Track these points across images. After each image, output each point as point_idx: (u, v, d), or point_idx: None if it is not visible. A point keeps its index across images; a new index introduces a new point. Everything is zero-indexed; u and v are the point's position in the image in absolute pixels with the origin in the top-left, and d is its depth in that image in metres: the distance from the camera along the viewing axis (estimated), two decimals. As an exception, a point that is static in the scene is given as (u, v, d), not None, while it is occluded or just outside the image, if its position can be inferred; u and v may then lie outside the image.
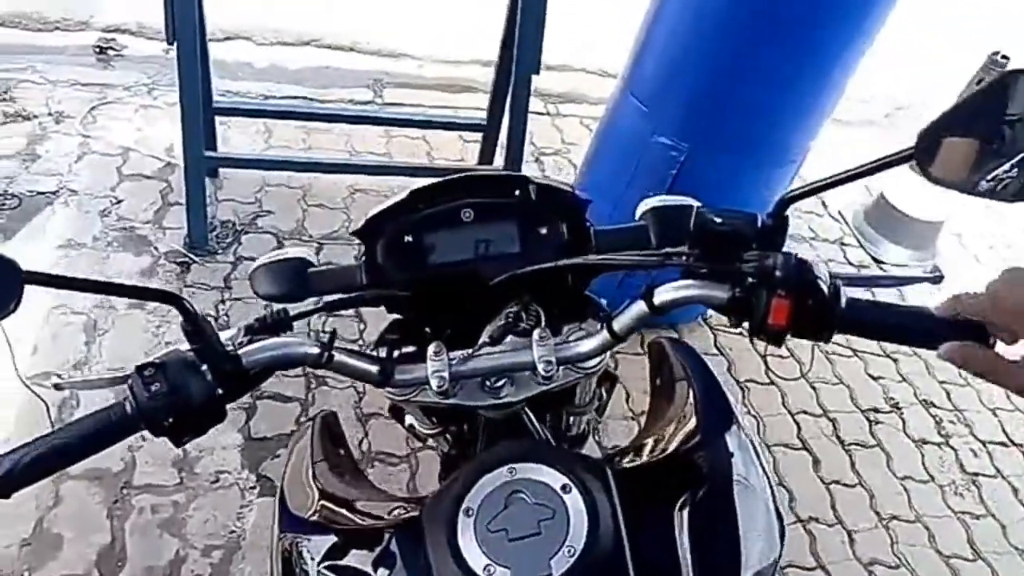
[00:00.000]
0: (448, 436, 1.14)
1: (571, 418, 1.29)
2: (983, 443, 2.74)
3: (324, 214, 3.02)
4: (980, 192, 0.68)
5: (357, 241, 0.93)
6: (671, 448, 0.90)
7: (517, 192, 0.96)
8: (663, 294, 0.82)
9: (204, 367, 0.76)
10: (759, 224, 0.80)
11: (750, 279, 0.77)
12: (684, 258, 0.82)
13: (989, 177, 0.68)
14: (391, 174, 3.06)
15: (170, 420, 0.74)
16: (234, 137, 3.30)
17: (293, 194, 3.09)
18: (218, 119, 3.05)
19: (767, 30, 2.12)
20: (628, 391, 2.51)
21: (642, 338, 2.49)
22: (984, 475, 2.63)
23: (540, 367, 0.86)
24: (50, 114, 3.24)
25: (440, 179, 0.95)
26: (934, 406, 2.82)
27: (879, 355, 2.94)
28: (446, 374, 0.85)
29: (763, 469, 0.90)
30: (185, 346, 0.77)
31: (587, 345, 0.88)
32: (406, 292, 0.93)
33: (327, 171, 2.94)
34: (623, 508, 0.77)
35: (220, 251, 2.76)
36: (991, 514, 2.52)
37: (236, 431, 2.23)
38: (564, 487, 0.77)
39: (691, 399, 0.97)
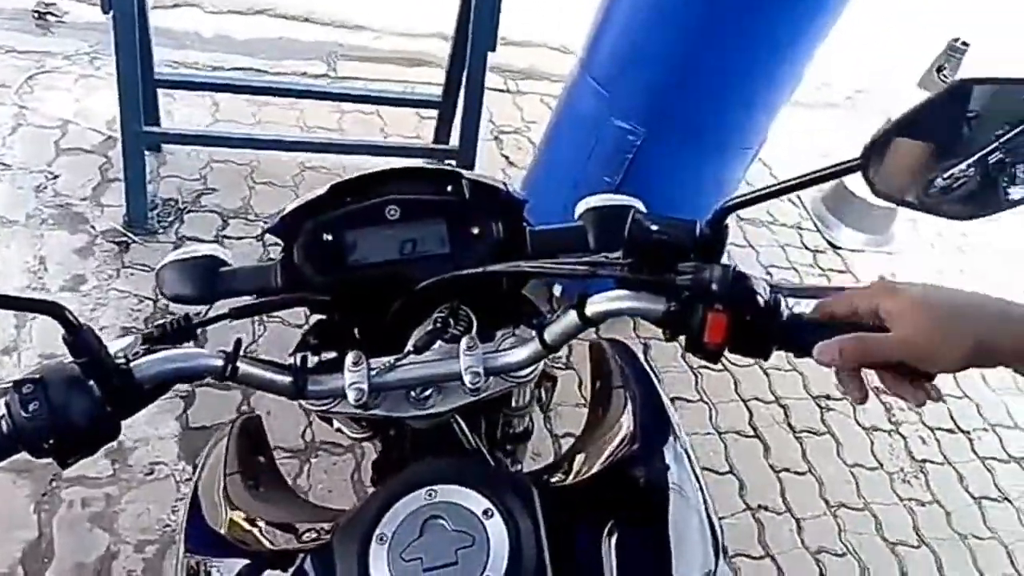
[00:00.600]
0: (380, 441, 1.09)
1: (512, 419, 1.25)
2: (932, 430, 2.76)
3: (272, 192, 2.92)
4: (926, 203, 0.64)
5: None
6: (605, 462, 0.86)
7: (449, 188, 0.90)
8: (595, 305, 0.77)
9: (91, 383, 0.69)
10: (698, 233, 0.75)
11: (686, 292, 0.73)
12: (618, 268, 0.77)
13: (944, 177, 0.65)
14: (342, 152, 2.96)
15: (52, 442, 0.67)
16: (180, 111, 3.17)
17: (240, 171, 2.98)
18: (163, 92, 2.92)
19: (723, 16, 2.08)
20: (580, 376, 2.47)
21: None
22: (932, 462, 2.66)
23: (467, 378, 0.80)
24: (-17, 82, 3.08)
25: (364, 172, 0.89)
26: (885, 393, 2.82)
27: (833, 341, 2.93)
28: (364, 386, 0.80)
29: (698, 480, 0.86)
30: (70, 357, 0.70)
31: (518, 355, 0.82)
32: (325, 295, 0.87)
33: (275, 148, 2.84)
34: (548, 532, 0.72)
35: (161, 231, 2.65)
36: (937, 501, 2.55)
37: (174, 419, 2.15)
38: (486, 512, 0.72)
39: (627, 409, 0.92)
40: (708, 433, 2.53)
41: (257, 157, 3.02)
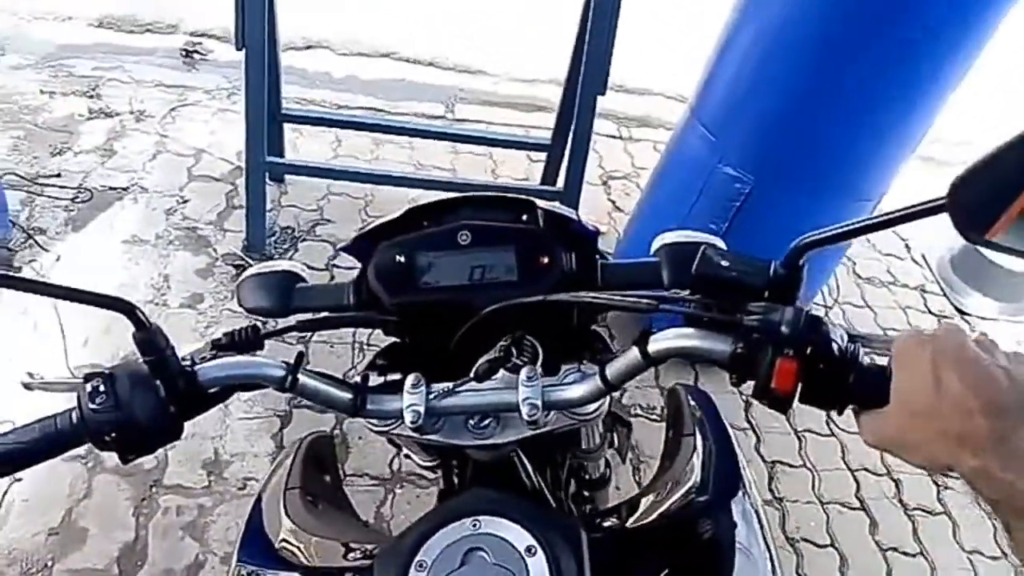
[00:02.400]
0: (443, 472, 1.08)
1: (585, 462, 1.21)
2: (1067, 521, 2.49)
3: (383, 226, 3.01)
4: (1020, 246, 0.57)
5: None
6: (665, 510, 0.81)
7: (523, 217, 0.89)
8: (658, 342, 0.73)
9: (157, 382, 0.72)
10: (771, 273, 0.70)
11: (754, 334, 0.68)
12: (683, 304, 0.73)
13: None
14: (453, 190, 3.01)
15: (114, 435, 0.70)
16: (305, 145, 3.34)
17: (355, 204, 3.09)
18: (290, 127, 3.08)
19: (853, 60, 1.99)
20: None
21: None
22: (1066, 556, 2.39)
23: (524, 410, 0.78)
24: (132, 112, 3.35)
25: (440, 198, 0.90)
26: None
27: (955, 414, 2.72)
28: (421, 409, 0.79)
29: (766, 541, 0.80)
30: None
31: (577, 391, 0.79)
32: (393, 316, 0.87)
33: (389, 183, 2.92)
34: None
35: (276, 256, 2.78)
36: (1070, 601, 2.28)
37: (269, 438, 2.22)
38: (529, 548, 0.69)
39: (696, 457, 0.87)
40: (809, 502, 2.38)
41: (372, 191, 3.13)
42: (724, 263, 0.71)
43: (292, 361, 0.78)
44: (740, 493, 0.83)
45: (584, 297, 0.79)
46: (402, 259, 0.86)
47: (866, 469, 2.49)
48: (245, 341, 0.81)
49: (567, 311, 0.90)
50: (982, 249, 3.11)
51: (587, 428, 1.01)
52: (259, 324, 0.82)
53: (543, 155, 3.11)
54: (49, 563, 1.88)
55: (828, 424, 2.59)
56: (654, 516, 0.81)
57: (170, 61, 3.76)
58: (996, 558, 2.34)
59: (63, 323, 2.35)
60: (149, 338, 0.71)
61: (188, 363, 0.74)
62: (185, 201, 2.95)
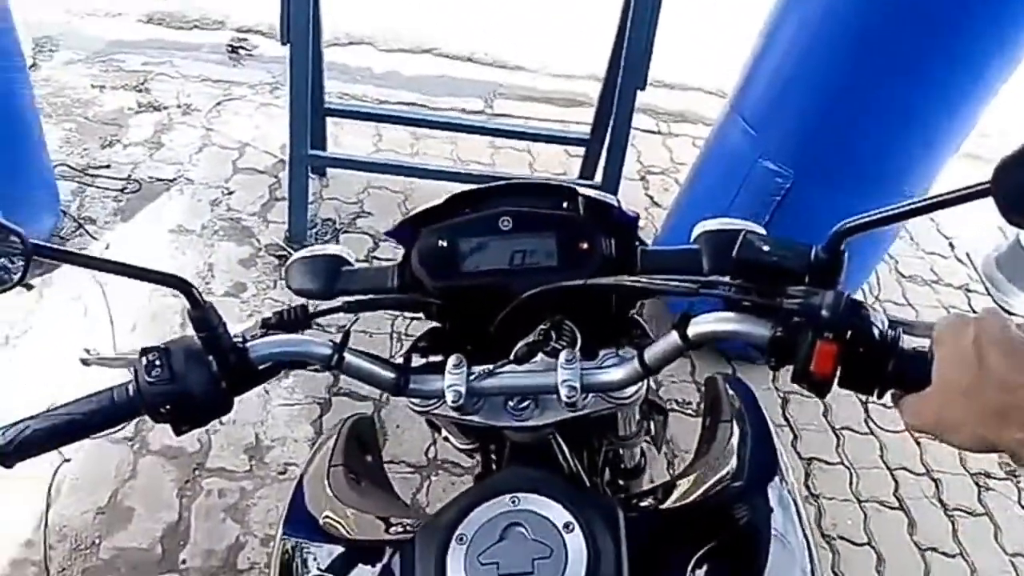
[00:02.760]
0: (481, 454, 1.10)
1: (620, 449, 1.22)
2: (1114, 526, 2.44)
3: (422, 219, 3.04)
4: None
5: None
6: (702, 494, 0.82)
7: (564, 204, 0.90)
8: (698, 326, 0.74)
9: (210, 357, 0.75)
10: (812, 257, 0.71)
11: (795, 318, 0.69)
12: (723, 288, 0.74)
13: None
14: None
15: (168, 407, 0.73)
16: (346, 138, 3.38)
17: (394, 198, 3.13)
18: (333, 120, 3.13)
19: (894, 55, 1.97)
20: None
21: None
22: (1112, 563, 2.34)
23: (563, 392, 0.79)
24: (179, 106, 3.42)
25: (482, 185, 0.91)
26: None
27: (999, 415, 2.68)
28: (462, 389, 0.80)
29: (804, 531, 0.80)
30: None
31: (615, 374, 0.81)
32: (435, 299, 0.89)
33: (429, 177, 2.95)
34: (630, 556, 0.70)
35: (317, 247, 2.82)
36: (1116, 608, 2.23)
37: (308, 424, 2.26)
38: (567, 525, 0.71)
39: (733, 444, 0.88)
40: (846, 500, 2.36)
41: (412, 185, 3.16)
42: (765, 248, 0.72)
43: (339, 340, 0.80)
44: (777, 479, 0.83)
45: (625, 281, 0.81)
46: (445, 244, 0.88)
47: (905, 468, 2.46)
48: (293, 320, 0.83)
49: (606, 297, 0.91)
50: (1028, 247, 3.06)
51: (624, 414, 1.02)
52: (307, 304, 0.85)
53: (581, 150, 3.12)
54: (97, 540, 1.94)
55: (867, 423, 2.57)
56: (690, 500, 0.82)
57: (216, 56, 3.83)
58: (1039, 562, 2.30)
59: (112, 309, 2.42)
60: (203, 315, 0.74)
61: (240, 340, 0.77)
62: (230, 193, 3.01)
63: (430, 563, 0.70)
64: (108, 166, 3.04)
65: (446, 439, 1.13)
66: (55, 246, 0.68)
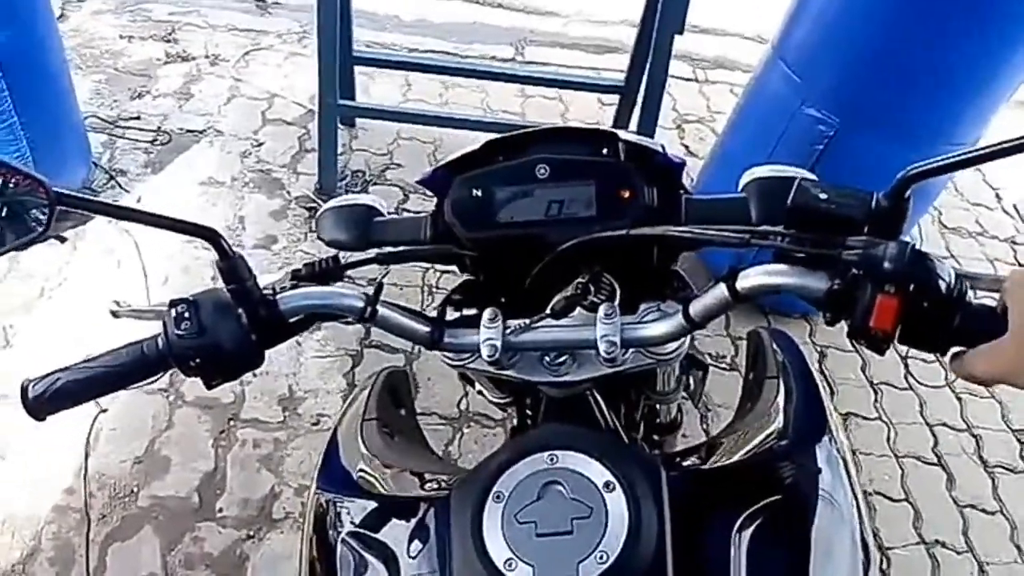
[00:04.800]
0: (516, 409, 1.07)
1: (658, 405, 1.19)
2: None
3: (452, 170, 3.00)
4: None
5: None
6: (747, 453, 0.79)
7: (604, 150, 0.86)
8: (747, 279, 0.70)
9: (240, 310, 0.72)
10: (873, 205, 0.66)
11: (854, 269, 0.64)
12: (776, 238, 0.69)
13: None
14: (522, 133, 2.99)
15: (198, 361, 0.71)
16: (375, 88, 3.33)
17: (424, 148, 3.08)
18: (362, 70, 3.08)
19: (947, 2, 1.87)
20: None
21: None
22: None
23: (602, 347, 0.76)
24: (207, 56, 3.39)
25: (518, 132, 0.87)
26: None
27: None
28: (498, 343, 0.78)
29: (854, 490, 0.77)
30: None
31: (658, 329, 0.77)
32: (469, 251, 0.86)
33: (458, 127, 2.90)
34: (673, 517, 0.67)
35: (347, 199, 2.80)
36: None
37: (341, 376, 2.27)
38: (607, 484, 0.68)
39: (779, 401, 0.84)
40: (883, 455, 2.32)
41: (442, 135, 3.12)
42: (822, 195, 0.67)
43: (371, 293, 0.78)
44: (825, 438, 0.80)
45: (671, 231, 0.76)
46: (479, 193, 0.84)
47: (944, 424, 2.41)
48: (324, 272, 0.81)
49: (647, 249, 0.87)
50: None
51: (663, 369, 0.99)
52: (338, 256, 0.82)
53: (615, 98, 3.03)
54: (135, 489, 1.97)
55: (906, 378, 2.51)
56: (735, 459, 0.79)
57: (243, 5, 3.78)
58: (1082, 519, 2.25)
59: (145, 262, 2.43)
60: (232, 266, 0.71)
61: (270, 292, 0.75)
62: (259, 144, 2.99)
63: (466, 521, 0.68)
64: (138, 117, 3.03)
65: (480, 393, 1.11)
66: (79, 195, 0.65)
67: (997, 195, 3.29)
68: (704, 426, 2.25)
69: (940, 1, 1.90)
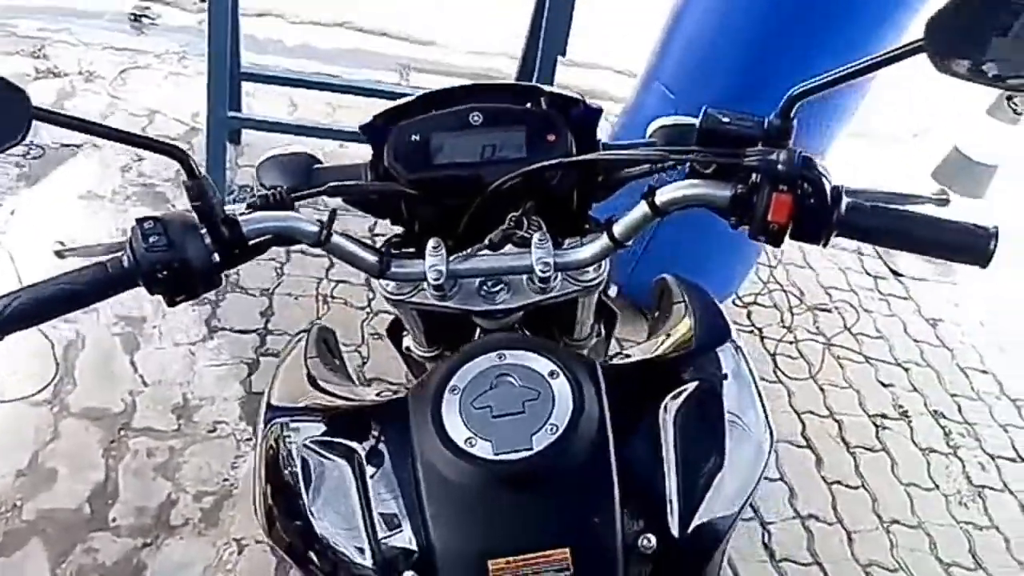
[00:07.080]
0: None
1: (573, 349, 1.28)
2: (992, 457, 2.68)
3: (341, 186, 3.03)
4: (992, 73, 0.66)
5: None
6: (662, 353, 0.90)
7: (528, 104, 0.96)
8: (665, 194, 0.81)
9: (203, 230, 0.76)
10: (766, 125, 0.79)
11: (754, 176, 0.77)
12: (690, 155, 0.81)
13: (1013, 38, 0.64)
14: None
15: (165, 274, 0.74)
16: (260, 108, 3.32)
17: (312, 164, 3.09)
18: (246, 91, 3.07)
19: (788, 28, 2.12)
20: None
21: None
22: (991, 488, 2.58)
23: (538, 268, 0.85)
24: (80, 73, 3.29)
25: (451, 86, 0.96)
26: (944, 417, 2.77)
27: (890, 363, 2.91)
28: (443, 268, 0.85)
29: (755, 383, 0.89)
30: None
31: (587, 251, 0.87)
32: (411, 190, 0.93)
33: (346, 139, 2.94)
34: (609, 396, 0.76)
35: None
36: (995, 527, 2.47)
37: (238, 383, 2.23)
38: (552, 373, 0.77)
39: (686, 317, 0.96)
40: (837, 444, 2.55)
41: (333, 150, 3.14)
42: (724, 119, 0.80)
43: (326, 220, 0.83)
44: (728, 344, 0.92)
45: (602, 155, 0.87)
46: (418, 138, 0.92)
47: (811, 411, 2.64)
48: (278, 203, 0.86)
49: (569, 192, 0.97)
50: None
51: (583, 307, 1.08)
52: (291, 186, 0.88)
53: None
54: (18, 503, 1.86)
55: (775, 372, 2.74)
56: (654, 355, 0.90)
57: (118, 25, 3.69)
58: (929, 489, 2.52)
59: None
60: (199, 186, 0.75)
61: (232, 212, 0.79)
62: (140, 159, 2.92)
63: (426, 410, 0.74)
64: (6, 131, 2.88)
65: (407, 350, 1.17)
66: (56, 110, 0.68)
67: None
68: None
69: (780, 36, 2.14)
